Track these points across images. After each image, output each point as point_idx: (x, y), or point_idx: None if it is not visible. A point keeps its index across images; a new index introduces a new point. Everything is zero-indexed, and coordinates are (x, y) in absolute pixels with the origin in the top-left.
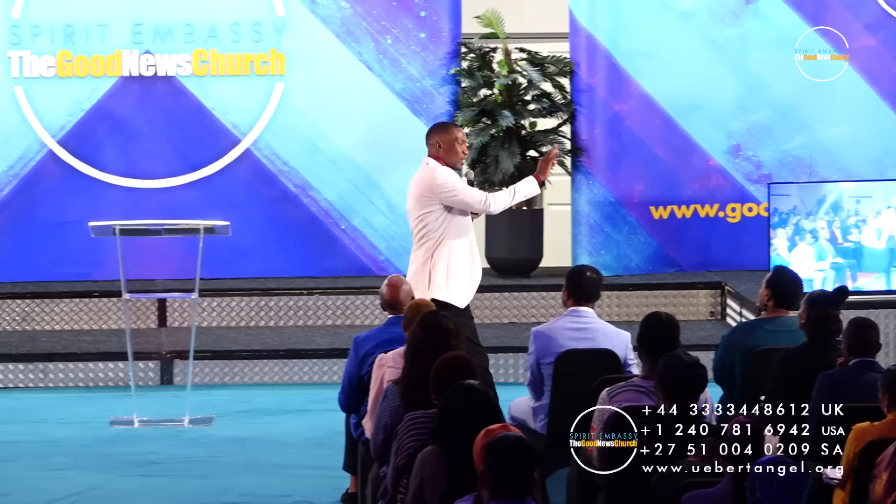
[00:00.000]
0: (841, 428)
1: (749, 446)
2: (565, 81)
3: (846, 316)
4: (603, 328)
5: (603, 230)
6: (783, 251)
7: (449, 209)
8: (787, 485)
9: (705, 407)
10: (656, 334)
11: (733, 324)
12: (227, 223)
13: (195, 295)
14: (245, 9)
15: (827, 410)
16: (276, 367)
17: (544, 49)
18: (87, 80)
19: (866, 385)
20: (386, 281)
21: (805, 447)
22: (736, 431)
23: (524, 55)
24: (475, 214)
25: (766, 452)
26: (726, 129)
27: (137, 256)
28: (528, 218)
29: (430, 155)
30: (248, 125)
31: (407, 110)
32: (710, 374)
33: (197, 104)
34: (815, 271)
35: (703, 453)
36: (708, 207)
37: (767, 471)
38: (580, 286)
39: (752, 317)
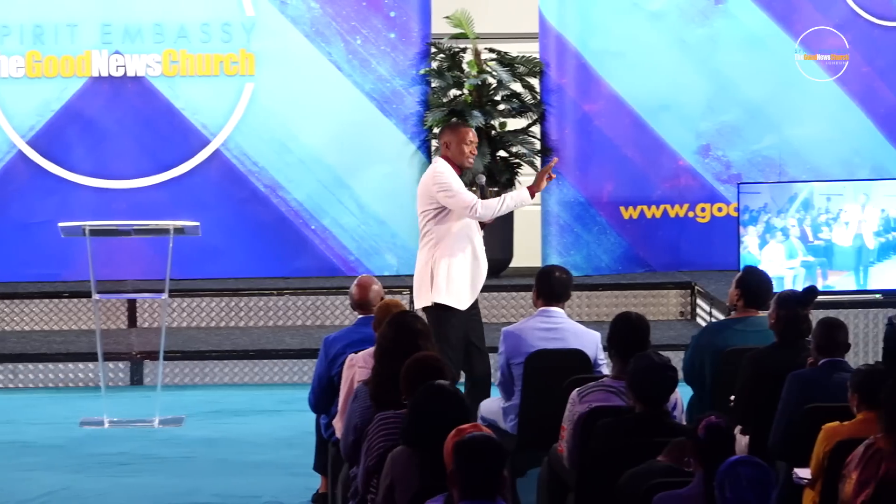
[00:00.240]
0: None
1: (719, 446)
2: (535, 82)
3: (816, 316)
4: (573, 328)
5: (573, 230)
6: (754, 249)
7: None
8: (756, 484)
9: (675, 407)
10: (626, 334)
11: (703, 324)
12: (197, 223)
13: (165, 295)
14: (214, 9)
15: (796, 410)
16: (247, 368)
17: (514, 49)
18: (57, 81)
19: (835, 385)
20: (356, 281)
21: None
22: (706, 431)
23: (494, 55)
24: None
25: (736, 452)
26: (696, 129)
27: (107, 257)
28: (498, 218)
29: (440, 154)
30: (217, 125)
31: (377, 110)
32: (681, 375)
33: (166, 104)
34: (786, 269)
35: (673, 453)
36: (678, 207)
37: (736, 470)
38: (549, 286)
39: (721, 317)
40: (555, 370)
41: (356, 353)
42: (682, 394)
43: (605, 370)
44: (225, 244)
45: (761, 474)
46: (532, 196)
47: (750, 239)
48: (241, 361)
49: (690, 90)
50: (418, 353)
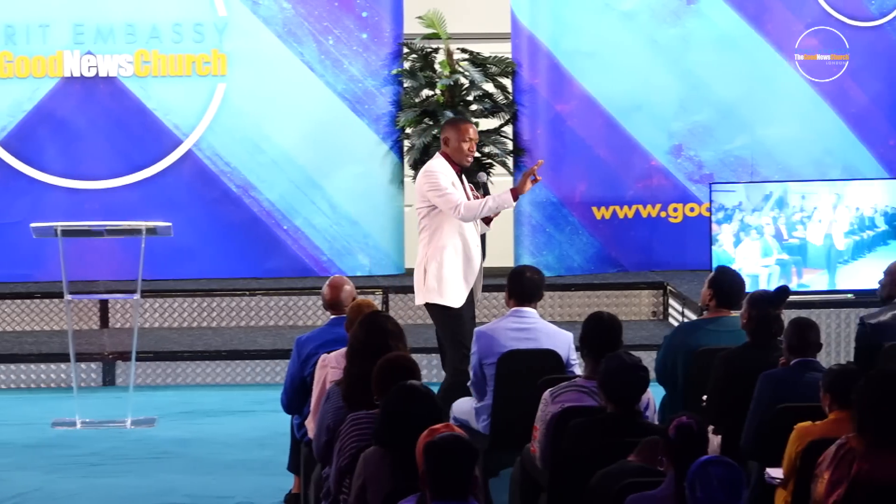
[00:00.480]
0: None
1: (690, 446)
2: (507, 82)
3: (788, 315)
4: (545, 328)
5: (545, 230)
6: (728, 247)
7: None
8: (727, 484)
9: (647, 407)
10: (599, 334)
11: (675, 324)
12: (169, 224)
13: (137, 296)
14: (187, 9)
15: (768, 410)
16: (219, 368)
17: (486, 49)
18: (29, 81)
19: (807, 385)
20: (328, 281)
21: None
22: (677, 431)
23: (466, 56)
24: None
25: (709, 452)
26: (668, 129)
27: (79, 257)
28: None
29: (440, 150)
30: (190, 126)
31: (349, 111)
32: (653, 375)
33: (139, 105)
34: (761, 267)
35: (644, 453)
36: (650, 207)
37: (707, 471)
38: (521, 287)
39: (694, 317)
40: (527, 370)
41: (328, 353)
42: (655, 394)
43: (578, 370)
44: (197, 244)
45: (732, 474)
46: (515, 198)
47: (725, 237)
48: (214, 362)
49: (662, 90)
50: (390, 353)
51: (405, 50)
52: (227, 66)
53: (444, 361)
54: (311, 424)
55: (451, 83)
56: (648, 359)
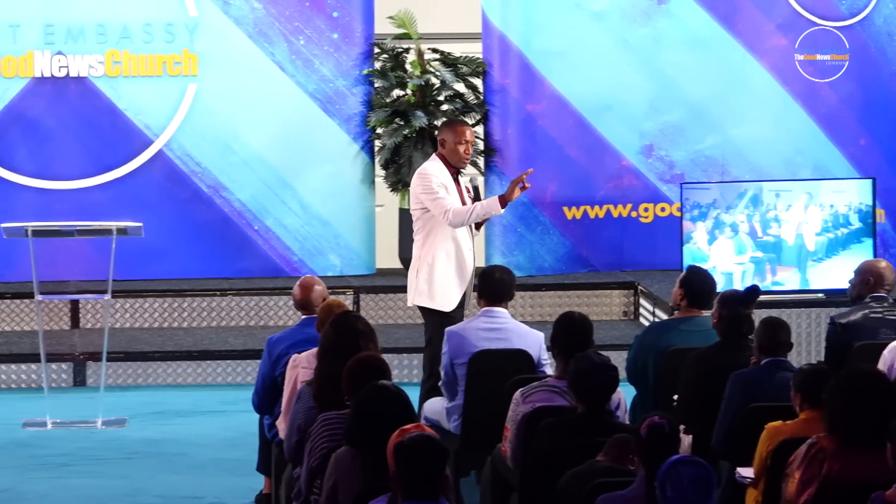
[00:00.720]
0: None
1: (662, 446)
2: (478, 82)
3: (760, 315)
4: (516, 328)
5: (516, 230)
6: (703, 245)
7: None
8: (697, 484)
9: (618, 406)
10: (569, 334)
11: (646, 323)
12: (140, 224)
13: (108, 296)
14: (157, 9)
15: (739, 410)
16: (190, 369)
17: (457, 49)
18: None
19: (778, 384)
20: (298, 281)
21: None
22: (648, 431)
23: (437, 56)
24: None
25: (680, 452)
26: (639, 129)
27: (50, 258)
28: None
29: (436, 152)
30: (160, 126)
31: (320, 111)
32: (623, 374)
33: (109, 105)
34: (735, 265)
35: (612, 452)
36: (621, 207)
37: (677, 470)
38: (490, 287)
39: (664, 316)
40: (498, 370)
41: (300, 353)
42: (626, 393)
43: (549, 370)
44: (168, 245)
45: (702, 474)
46: (503, 205)
47: (699, 235)
48: (185, 362)
49: (633, 90)
50: (360, 353)
51: (376, 50)
52: (198, 66)
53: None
54: (282, 425)
55: (422, 83)
56: (619, 358)
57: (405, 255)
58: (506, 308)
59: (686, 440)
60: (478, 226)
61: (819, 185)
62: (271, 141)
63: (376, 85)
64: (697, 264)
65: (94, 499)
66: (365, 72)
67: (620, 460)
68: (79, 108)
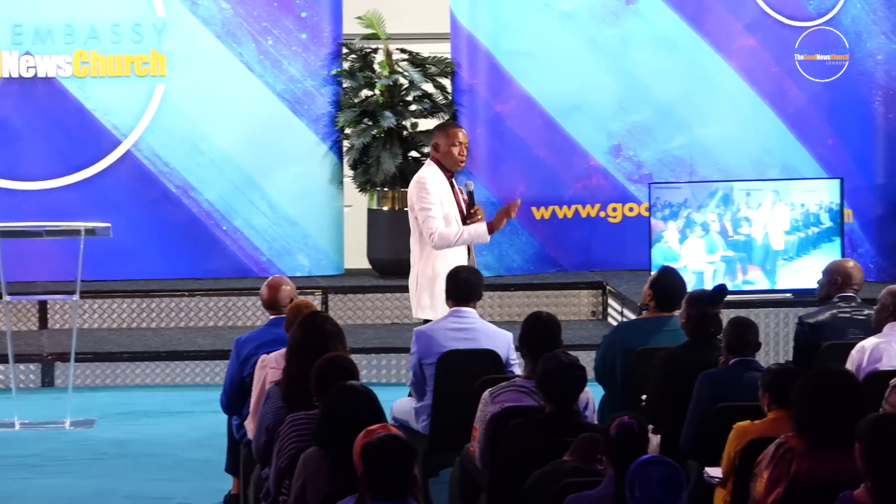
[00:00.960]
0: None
1: (631, 446)
2: (446, 82)
3: (728, 315)
4: (485, 328)
5: None
6: (674, 244)
7: None
8: (666, 484)
9: (587, 406)
10: (538, 334)
11: (615, 323)
12: (108, 225)
13: (76, 297)
14: (125, 10)
15: (707, 409)
16: (158, 369)
17: (425, 50)
18: None
19: (746, 384)
20: (266, 282)
21: (686, 446)
22: (617, 431)
23: (405, 56)
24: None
25: (648, 452)
26: (607, 129)
27: (18, 258)
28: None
29: (430, 157)
30: (128, 126)
31: (288, 111)
32: (591, 374)
33: (77, 105)
34: (706, 264)
35: (578, 452)
36: (589, 207)
37: (646, 470)
38: (457, 287)
39: (633, 316)
40: (467, 370)
41: (268, 353)
42: (594, 393)
43: (518, 370)
44: (136, 245)
45: (671, 473)
46: (490, 233)
47: (670, 234)
48: (153, 363)
49: (601, 90)
50: (328, 353)
51: (344, 50)
52: (166, 66)
53: None
54: (250, 425)
55: (391, 83)
56: (588, 358)
57: (373, 256)
58: (474, 308)
59: (654, 440)
60: None
61: (789, 184)
62: (240, 141)
63: (345, 85)
64: (670, 265)
65: (63, 499)
66: (333, 72)
67: (587, 460)
68: (47, 108)
